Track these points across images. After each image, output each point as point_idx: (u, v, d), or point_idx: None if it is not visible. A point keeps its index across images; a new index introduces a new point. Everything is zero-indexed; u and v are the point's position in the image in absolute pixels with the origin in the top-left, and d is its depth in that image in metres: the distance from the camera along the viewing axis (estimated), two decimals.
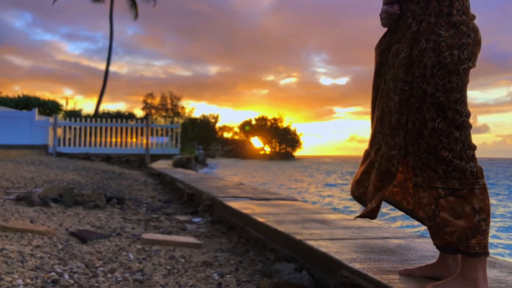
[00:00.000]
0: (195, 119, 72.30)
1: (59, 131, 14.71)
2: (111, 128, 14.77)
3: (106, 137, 14.73)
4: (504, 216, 10.65)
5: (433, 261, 1.72)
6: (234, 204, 3.83)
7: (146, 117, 17.34)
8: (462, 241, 1.44)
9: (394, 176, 1.62)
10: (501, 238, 7.67)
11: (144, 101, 64.27)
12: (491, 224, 1.69)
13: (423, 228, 1.86)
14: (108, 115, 34.07)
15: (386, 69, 1.65)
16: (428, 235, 2.66)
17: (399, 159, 1.60)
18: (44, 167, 9.26)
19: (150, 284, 2.19)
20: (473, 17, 1.53)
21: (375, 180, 1.67)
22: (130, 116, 40.34)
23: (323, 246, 2.17)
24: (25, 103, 24.51)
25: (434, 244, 1.54)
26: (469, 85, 1.53)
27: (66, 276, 2.19)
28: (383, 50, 1.68)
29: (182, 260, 2.73)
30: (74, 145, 14.57)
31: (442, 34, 1.48)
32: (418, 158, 1.51)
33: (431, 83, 1.48)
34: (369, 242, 2.29)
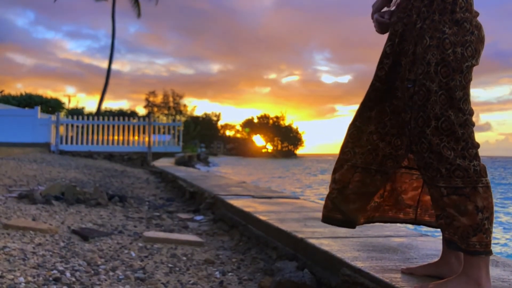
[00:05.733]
0: (197, 117, 72.44)
1: (62, 129, 14.75)
2: (113, 126, 14.81)
3: (108, 135, 14.76)
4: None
5: (436, 259, 1.71)
6: (236, 202, 3.83)
7: (148, 115, 17.35)
8: (464, 239, 1.43)
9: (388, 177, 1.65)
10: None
11: (146, 99, 64.45)
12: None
13: (425, 227, 1.85)
14: (111, 113, 34.12)
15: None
16: (430, 234, 2.66)
17: (404, 159, 1.63)
18: (46, 165, 9.27)
19: (151, 282, 2.19)
20: (477, 14, 1.52)
21: (362, 184, 1.64)
22: (132, 114, 40.40)
23: (325, 244, 2.17)
24: (28, 101, 24.53)
25: (444, 236, 1.51)
26: (471, 83, 1.52)
27: (68, 274, 2.19)
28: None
29: (184, 258, 2.73)
30: (77, 143, 14.61)
31: (446, 32, 1.47)
32: (421, 157, 1.50)
33: (435, 80, 1.47)
34: (371, 241, 2.29)
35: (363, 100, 1.67)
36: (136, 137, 14.97)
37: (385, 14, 1.68)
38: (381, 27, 1.69)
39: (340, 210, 1.66)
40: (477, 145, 1.48)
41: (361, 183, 1.64)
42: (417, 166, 1.56)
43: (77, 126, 14.88)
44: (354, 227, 1.69)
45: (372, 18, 1.71)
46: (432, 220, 1.75)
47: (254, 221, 3.14)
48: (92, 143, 14.63)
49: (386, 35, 1.70)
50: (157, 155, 14.86)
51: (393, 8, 1.68)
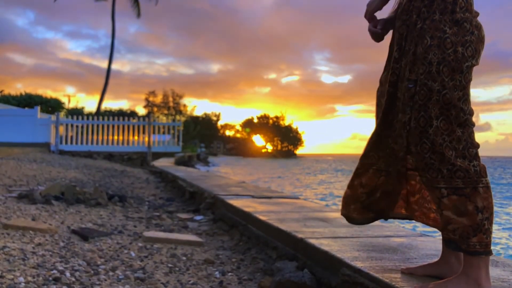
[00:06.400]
0: (197, 117, 72.47)
1: (61, 129, 14.74)
2: (113, 126, 14.80)
3: (108, 135, 14.76)
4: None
5: (436, 259, 1.71)
6: (236, 202, 3.83)
7: (148, 115, 17.35)
8: (464, 239, 1.43)
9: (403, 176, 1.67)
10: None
11: (146, 99, 64.44)
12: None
13: (426, 226, 1.85)
14: (110, 113, 34.10)
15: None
16: (430, 234, 2.67)
17: (404, 160, 1.65)
18: (46, 165, 9.27)
19: (151, 282, 2.19)
20: (477, 14, 1.52)
21: (389, 185, 1.68)
22: (132, 114, 40.36)
23: (325, 244, 2.17)
24: (28, 101, 24.49)
25: (443, 236, 1.52)
26: (471, 83, 1.52)
27: (68, 274, 2.19)
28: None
29: (184, 258, 2.73)
30: (76, 143, 14.60)
31: (447, 31, 1.47)
32: (421, 158, 1.50)
33: (438, 80, 1.46)
34: (371, 241, 2.29)
35: (383, 108, 1.67)
36: (136, 137, 14.97)
37: (379, 23, 1.69)
38: (375, 36, 1.70)
39: (372, 210, 1.72)
40: (477, 145, 1.48)
41: (386, 184, 1.68)
42: (416, 167, 1.56)
43: (77, 126, 14.87)
44: (387, 219, 1.77)
45: (366, 17, 1.71)
46: (424, 217, 1.74)
47: (254, 221, 3.14)
48: (92, 143, 14.63)
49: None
50: (157, 155, 14.86)
51: (390, 14, 1.69)
